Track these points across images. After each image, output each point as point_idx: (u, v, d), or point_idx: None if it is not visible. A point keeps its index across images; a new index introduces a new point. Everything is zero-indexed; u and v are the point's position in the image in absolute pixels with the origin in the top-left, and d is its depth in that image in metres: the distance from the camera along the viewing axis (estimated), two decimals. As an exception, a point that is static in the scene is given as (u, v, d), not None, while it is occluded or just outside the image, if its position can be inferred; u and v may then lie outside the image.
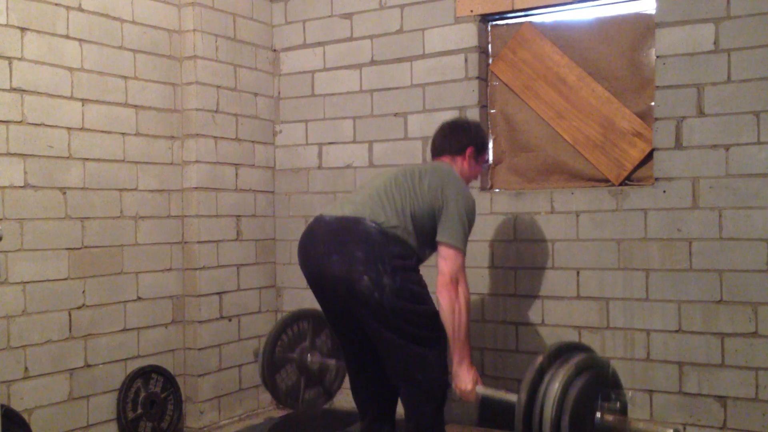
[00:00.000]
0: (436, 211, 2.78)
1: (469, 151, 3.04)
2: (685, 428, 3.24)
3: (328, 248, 2.72)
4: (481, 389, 2.81)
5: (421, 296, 2.74)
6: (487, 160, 3.11)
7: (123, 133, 3.56)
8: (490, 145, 3.78)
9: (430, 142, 3.17)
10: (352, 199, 2.87)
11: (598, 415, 2.37)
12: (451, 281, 2.72)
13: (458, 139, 3.05)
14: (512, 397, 2.48)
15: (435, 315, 2.77)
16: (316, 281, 2.85)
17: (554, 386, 2.32)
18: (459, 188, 2.84)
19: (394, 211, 2.74)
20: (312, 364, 3.52)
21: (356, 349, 2.98)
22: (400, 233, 2.72)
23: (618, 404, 2.40)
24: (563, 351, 2.49)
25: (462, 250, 2.77)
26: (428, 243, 2.82)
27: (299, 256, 2.89)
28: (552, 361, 2.42)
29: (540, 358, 2.42)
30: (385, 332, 2.70)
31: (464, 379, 2.77)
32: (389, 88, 3.96)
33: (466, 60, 3.72)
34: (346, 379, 3.41)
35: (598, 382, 2.40)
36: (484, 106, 3.76)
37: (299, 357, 3.51)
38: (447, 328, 2.74)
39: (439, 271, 2.76)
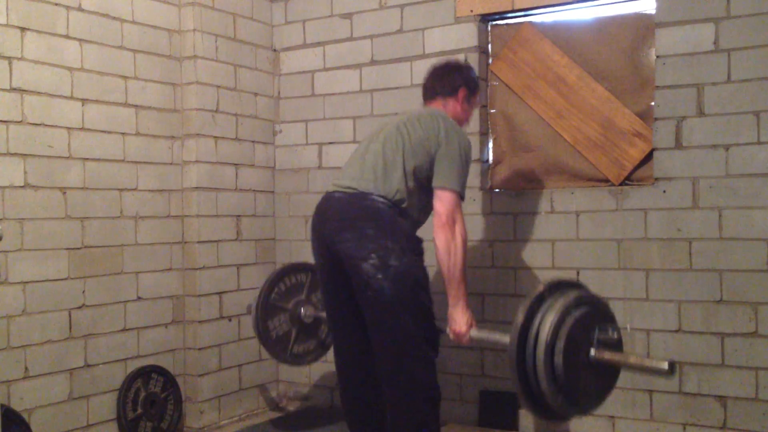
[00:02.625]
0: (433, 157, 2.74)
1: (461, 92, 2.97)
2: (685, 428, 3.24)
3: (340, 225, 2.71)
4: (475, 332, 2.74)
5: (421, 284, 2.71)
6: (479, 102, 3.00)
7: (123, 133, 3.56)
8: (490, 145, 3.79)
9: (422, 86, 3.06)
10: (355, 171, 2.81)
11: (593, 350, 2.35)
12: (447, 221, 2.67)
13: (450, 81, 2.97)
14: (507, 339, 2.42)
15: (429, 310, 2.73)
16: (325, 259, 2.82)
17: (552, 313, 2.32)
18: (451, 130, 2.77)
19: (397, 177, 2.72)
20: (306, 317, 3.53)
21: (348, 341, 2.88)
22: (406, 205, 2.73)
23: (615, 338, 2.39)
24: (562, 286, 2.48)
25: (457, 191, 2.72)
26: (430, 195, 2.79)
27: (312, 234, 2.88)
28: (551, 293, 2.42)
29: (540, 288, 2.40)
30: (381, 319, 2.65)
31: (458, 321, 2.71)
32: (389, 88, 3.96)
33: (466, 60, 3.72)
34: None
35: (596, 317, 2.40)
36: (484, 106, 3.75)
37: (293, 308, 3.52)
38: (442, 270, 2.68)
39: (434, 213, 2.72)
